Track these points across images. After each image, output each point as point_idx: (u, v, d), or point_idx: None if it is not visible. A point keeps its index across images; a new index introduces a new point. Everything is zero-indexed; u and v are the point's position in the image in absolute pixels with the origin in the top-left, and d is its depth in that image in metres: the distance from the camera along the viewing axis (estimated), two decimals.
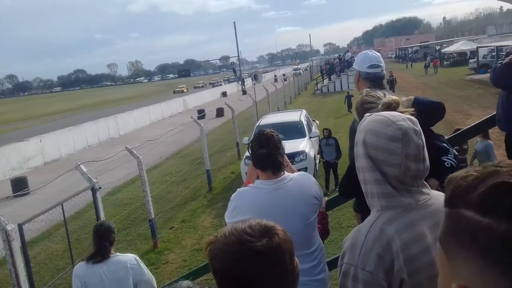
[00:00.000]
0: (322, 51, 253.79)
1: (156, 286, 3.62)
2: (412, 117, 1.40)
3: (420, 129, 1.38)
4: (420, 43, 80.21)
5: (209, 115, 24.82)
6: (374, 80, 2.90)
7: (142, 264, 3.49)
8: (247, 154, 10.13)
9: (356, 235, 1.37)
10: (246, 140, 11.37)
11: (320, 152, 9.97)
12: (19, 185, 12.78)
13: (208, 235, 7.11)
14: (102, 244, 3.31)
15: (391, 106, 1.54)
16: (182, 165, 14.14)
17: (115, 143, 20.24)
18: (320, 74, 41.31)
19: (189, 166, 13.21)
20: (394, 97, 1.60)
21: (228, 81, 74.27)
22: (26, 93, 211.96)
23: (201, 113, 21.14)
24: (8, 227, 4.37)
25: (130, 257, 3.43)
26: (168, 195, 10.93)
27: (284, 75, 45.76)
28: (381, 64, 2.97)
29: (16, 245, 4.50)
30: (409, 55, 66.49)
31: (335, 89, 33.88)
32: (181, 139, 17.39)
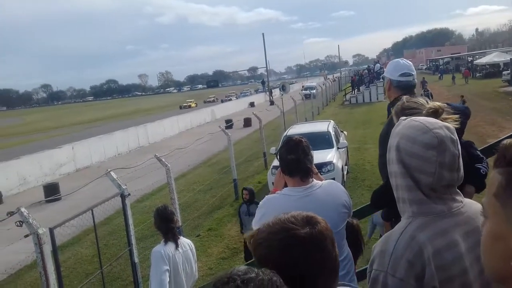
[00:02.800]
0: (351, 62, 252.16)
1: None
2: (450, 125, 1.37)
3: (457, 138, 1.35)
4: (451, 54, 78.63)
5: (237, 125, 24.92)
6: (406, 88, 2.86)
7: None
8: (274, 163, 10.12)
9: (386, 241, 1.34)
10: (273, 150, 11.37)
11: (240, 223, 7.30)
12: (51, 191, 13.11)
13: (234, 244, 7.12)
14: (170, 226, 3.70)
15: (437, 112, 1.51)
16: (209, 174, 14.22)
17: (145, 151, 20.55)
18: (351, 85, 40.91)
19: (216, 175, 13.28)
20: (440, 103, 1.58)
21: (257, 91, 74.04)
22: (60, 102, 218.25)
23: (229, 123, 21.26)
24: (40, 231, 4.46)
25: (188, 241, 3.93)
26: (195, 203, 11.00)
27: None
28: (413, 73, 2.93)
29: (47, 248, 4.58)
30: (440, 67, 65.23)
31: (364, 100, 33.54)
32: (208, 149, 17.53)
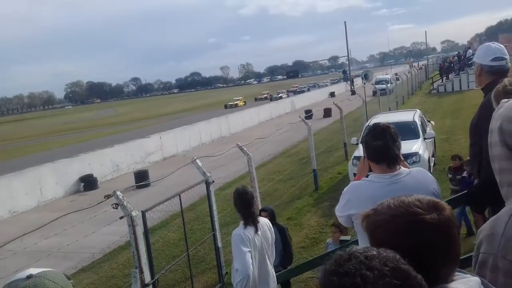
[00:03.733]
0: (439, 48, 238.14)
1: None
2: None
3: None
4: None
5: (316, 116, 24.72)
6: (499, 73, 2.68)
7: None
8: (355, 154, 9.91)
9: (493, 225, 1.30)
10: (354, 140, 11.13)
11: None
12: (141, 177, 13.96)
13: (314, 234, 7.09)
14: (251, 211, 3.80)
15: None
16: (288, 164, 14.29)
17: (226, 141, 21.14)
18: (439, 72, 38.66)
19: (296, 165, 13.30)
20: None
21: (337, 81, 72.22)
22: (148, 94, 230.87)
23: (308, 113, 21.14)
24: (133, 213, 4.79)
25: (266, 220, 4.05)
26: (274, 192, 11.13)
27: (396, 74, 43.85)
28: (506, 56, 2.74)
29: (139, 230, 4.91)
30: None
31: (453, 89, 31.56)
32: (288, 139, 17.59)
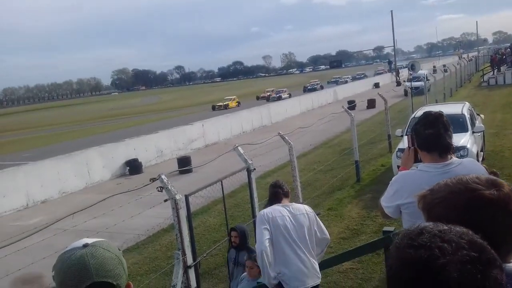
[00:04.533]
0: (490, 40, 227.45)
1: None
2: None
3: None
4: None
5: (360, 106, 24.27)
6: None
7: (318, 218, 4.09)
8: (399, 146, 9.69)
9: None
10: (399, 132, 10.87)
11: (228, 271, 5.24)
12: (184, 163, 14.26)
13: (355, 226, 7.02)
14: (276, 191, 3.99)
15: None
16: (330, 155, 14.16)
17: (267, 130, 21.18)
18: (490, 65, 37.00)
19: (337, 156, 13.17)
20: None
21: (381, 72, 70.14)
22: (190, 83, 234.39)
23: (351, 104, 20.79)
24: (177, 197, 4.90)
25: (305, 206, 4.09)
26: (315, 182, 11.08)
27: (444, 65, 42.30)
28: None
29: (183, 213, 5.03)
30: None
31: (504, 82, 30.13)
32: (330, 129, 17.43)
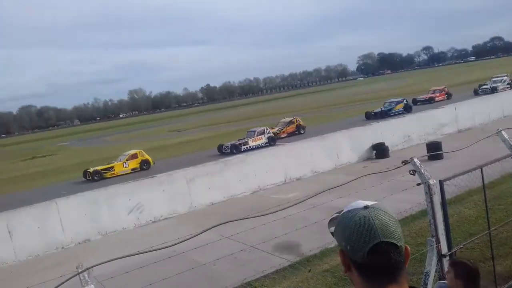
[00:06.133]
0: None
1: None
2: None
3: None
4: None
5: None
6: None
7: None
8: None
9: None
10: None
11: None
12: (434, 149, 13.53)
13: None
14: None
15: None
16: None
17: None
18: None
19: None
20: None
21: None
22: (440, 64, 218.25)
23: None
24: (431, 181, 4.72)
25: None
26: None
27: None
28: None
29: (437, 199, 4.80)
30: None
31: None
32: None
